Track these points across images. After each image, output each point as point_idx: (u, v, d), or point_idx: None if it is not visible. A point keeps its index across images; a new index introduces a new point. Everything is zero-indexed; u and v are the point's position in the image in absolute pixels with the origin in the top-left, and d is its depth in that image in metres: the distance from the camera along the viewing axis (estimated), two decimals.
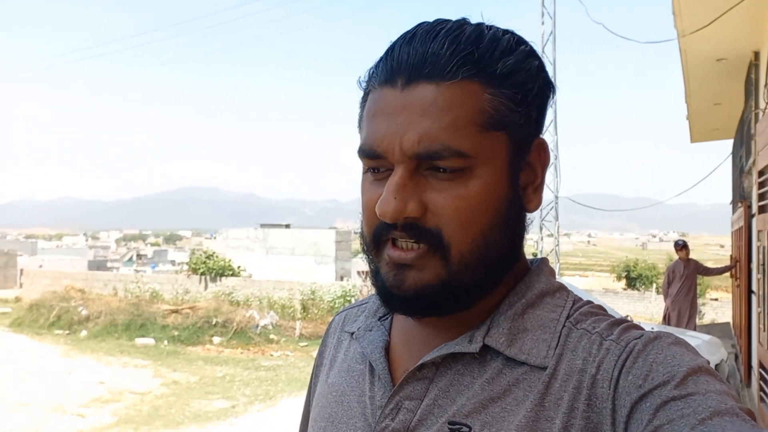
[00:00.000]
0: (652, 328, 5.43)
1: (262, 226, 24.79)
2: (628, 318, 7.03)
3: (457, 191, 0.64)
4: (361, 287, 15.30)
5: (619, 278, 38.77)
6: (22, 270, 26.55)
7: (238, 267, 18.93)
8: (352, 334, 0.82)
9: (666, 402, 0.56)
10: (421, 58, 0.64)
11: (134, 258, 73.62)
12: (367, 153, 0.67)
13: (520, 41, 0.69)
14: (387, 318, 0.79)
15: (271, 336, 13.67)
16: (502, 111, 0.65)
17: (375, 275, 0.70)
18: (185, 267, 21.28)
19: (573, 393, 0.62)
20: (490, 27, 0.68)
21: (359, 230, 0.72)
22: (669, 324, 8.60)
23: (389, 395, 0.70)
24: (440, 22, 0.67)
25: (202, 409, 8.28)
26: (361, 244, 0.72)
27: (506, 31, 0.68)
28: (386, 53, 0.68)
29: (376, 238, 0.68)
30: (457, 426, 0.64)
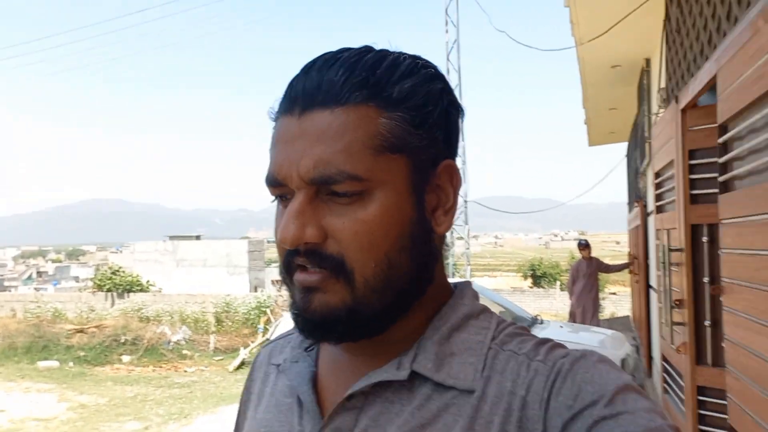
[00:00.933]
0: (561, 326, 5.64)
1: (171, 238, 24.06)
2: (538, 317, 7.28)
3: (356, 215, 0.64)
4: (276, 297, 15.10)
5: (525, 277, 40.19)
6: None
7: (147, 282, 18.26)
8: (278, 366, 0.81)
9: (597, 421, 0.58)
10: (317, 85, 0.65)
11: (34, 275, 69.46)
12: (270, 181, 0.68)
13: (425, 65, 0.70)
14: (313, 348, 0.78)
15: (185, 351, 13.23)
16: (399, 134, 0.66)
17: (291, 304, 0.70)
18: (90, 283, 20.31)
19: (503, 416, 0.63)
20: (393, 53, 0.69)
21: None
22: (575, 321, 8.97)
23: (319, 428, 0.69)
24: (342, 51, 0.68)
25: None
26: (281, 276, 0.72)
27: (411, 56, 0.70)
28: (288, 84, 0.69)
29: (287, 265, 0.68)
30: None
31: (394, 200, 0.66)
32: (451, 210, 0.72)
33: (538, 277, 37.67)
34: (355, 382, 0.69)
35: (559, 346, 0.68)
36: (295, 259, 0.66)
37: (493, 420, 0.63)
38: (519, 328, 0.72)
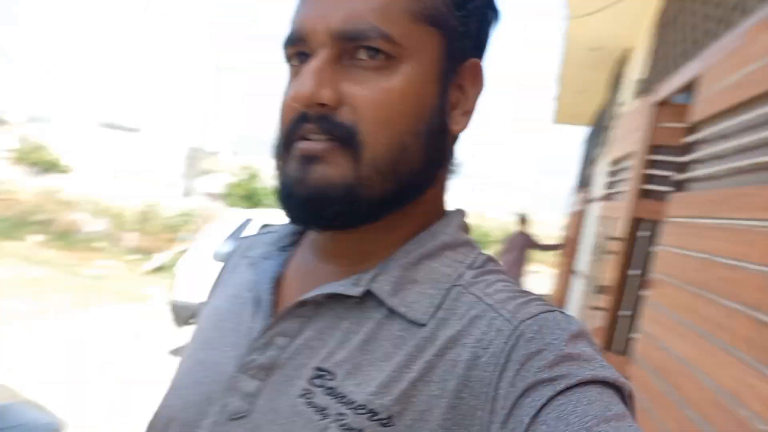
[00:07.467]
0: None
1: (105, 125, 23.20)
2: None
3: (379, 83, 0.60)
4: (206, 208, 14.81)
5: None
6: None
7: (69, 165, 17.59)
8: (250, 259, 0.77)
9: (551, 398, 0.53)
10: None
11: None
12: (290, 39, 0.63)
13: None
14: (287, 249, 0.75)
15: (99, 244, 12.86)
16: (440, 7, 0.63)
17: (280, 180, 0.64)
18: (10, 154, 19.39)
19: (448, 366, 0.57)
20: None
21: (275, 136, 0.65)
22: None
23: (266, 327, 0.66)
24: None
25: (8, 308, 7.64)
26: (273, 152, 0.66)
27: None
28: None
29: (288, 136, 0.62)
30: (323, 372, 0.61)
31: (421, 78, 0.62)
32: (469, 113, 0.68)
33: None
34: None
35: (533, 299, 0.61)
36: (300, 126, 0.61)
37: (435, 366, 0.58)
38: (493, 265, 0.67)
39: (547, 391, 0.52)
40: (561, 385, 0.52)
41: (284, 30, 0.64)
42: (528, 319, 0.57)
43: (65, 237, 12.72)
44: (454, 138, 0.68)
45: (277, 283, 0.71)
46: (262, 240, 0.81)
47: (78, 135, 21.59)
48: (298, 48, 0.63)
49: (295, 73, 0.64)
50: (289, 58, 0.65)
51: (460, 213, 0.72)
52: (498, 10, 0.69)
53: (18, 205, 13.27)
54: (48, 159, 16.96)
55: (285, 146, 0.63)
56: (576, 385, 0.52)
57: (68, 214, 13.33)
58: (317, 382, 0.60)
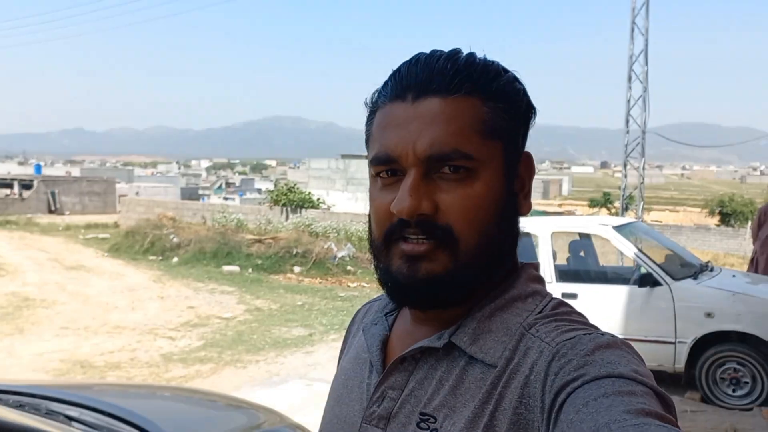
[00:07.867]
0: (734, 276, 5.07)
1: (343, 156, 25.18)
2: (709, 264, 6.65)
3: (465, 191, 0.74)
4: None
5: (711, 214, 37.03)
6: (120, 197, 28.24)
7: (318, 199, 19.38)
8: (364, 325, 0.93)
9: (570, 393, 0.63)
10: (429, 76, 0.75)
11: (223, 186, 76.44)
12: (381, 160, 0.76)
13: (506, 69, 0.79)
14: (392, 314, 0.89)
15: (348, 267, 14.01)
16: (498, 122, 0.76)
17: (384, 272, 0.78)
18: (268, 197, 22.01)
19: (512, 393, 0.69)
20: (480, 56, 0.79)
21: (368, 234, 0.82)
22: (756, 270, 8.10)
23: (377, 384, 0.80)
24: (437, 50, 0.78)
25: (282, 336, 8.65)
26: (369, 247, 0.81)
27: (493, 61, 0.79)
28: (393, 75, 0.78)
29: (388, 237, 0.76)
30: (426, 416, 0.74)
31: (494, 180, 0.76)
32: (528, 194, 0.82)
33: (727, 214, 34.56)
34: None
35: (580, 328, 0.71)
36: (403, 230, 0.74)
37: (504, 395, 0.70)
38: (562, 311, 0.76)
39: (570, 389, 0.63)
40: (578, 381, 0.62)
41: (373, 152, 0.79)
42: (566, 341, 0.69)
43: (320, 265, 14.09)
44: (521, 217, 0.82)
45: (385, 344, 0.85)
46: (373, 307, 0.96)
47: (321, 171, 23.75)
48: (388, 167, 0.76)
49: (386, 184, 0.77)
50: (377, 172, 0.78)
51: (530, 266, 0.83)
52: (535, 108, 0.81)
53: (279, 242, 15.01)
54: (300, 197, 18.89)
55: (385, 244, 0.77)
56: (592, 380, 0.62)
57: (320, 244, 14.73)
58: (423, 426, 0.73)
